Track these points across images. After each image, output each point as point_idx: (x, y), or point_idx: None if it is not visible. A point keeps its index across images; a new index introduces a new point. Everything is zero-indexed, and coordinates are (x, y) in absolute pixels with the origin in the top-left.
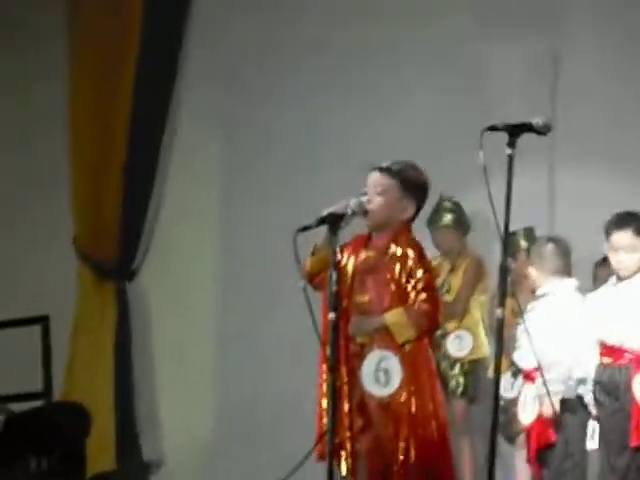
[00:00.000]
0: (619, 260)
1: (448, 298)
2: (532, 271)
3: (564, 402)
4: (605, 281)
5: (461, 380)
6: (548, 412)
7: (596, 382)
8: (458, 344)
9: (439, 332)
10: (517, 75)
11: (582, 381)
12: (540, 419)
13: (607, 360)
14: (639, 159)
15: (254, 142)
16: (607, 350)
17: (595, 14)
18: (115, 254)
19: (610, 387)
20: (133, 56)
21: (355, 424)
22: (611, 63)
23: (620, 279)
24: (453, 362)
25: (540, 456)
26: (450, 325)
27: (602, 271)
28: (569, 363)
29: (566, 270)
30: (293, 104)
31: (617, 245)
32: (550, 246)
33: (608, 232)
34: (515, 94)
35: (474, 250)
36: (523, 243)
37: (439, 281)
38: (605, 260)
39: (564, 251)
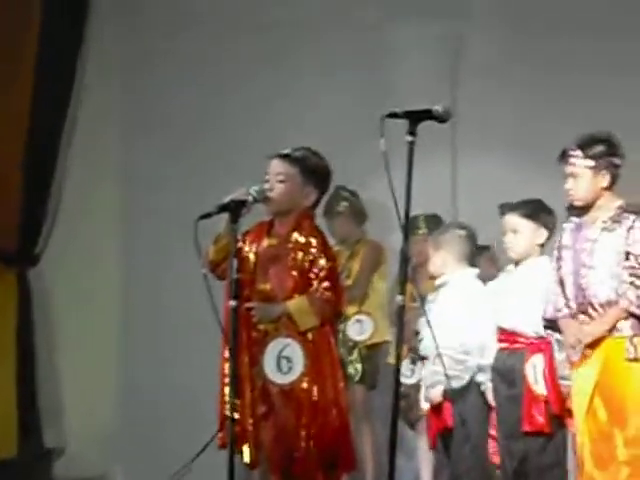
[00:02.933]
0: (506, 241)
1: (348, 282)
2: (438, 257)
3: (459, 386)
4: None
5: (359, 366)
6: (436, 399)
7: (493, 368)
8: (359, 328)
9: None
10: (419, 61)
11: (481, 368)
12: (438, 405)
13: (503, 345)
14: (541, 145)
15: (156, 130)
16: (503, 335)
17: None
18: (16, 239)
19: (505, 373)
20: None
21: (257, 411)
22: (513, 48)
23: (516, 264)
24: (351, 348)
25: (442, 442)
26: (349, 309)
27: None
28: (464, 349)
29: (471, 257)
30: (196, 89)
31: (505, 227)
32: (460, 232)
33: (501, 215)
34: (417, 80)
35: (373, 237)
36: (424, 230)
37: (340, 267)
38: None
39: (472, 238)
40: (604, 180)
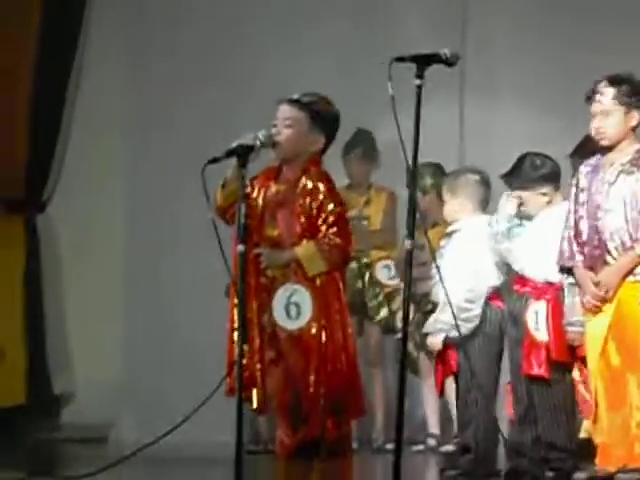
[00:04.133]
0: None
1: (371, 229)
2: (454, 203)
3: (468, 334)
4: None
5: (384, 310)
6: (436, 346)
7: (507, 311)
8: (387, 273)
9: (365, 261)
10: (428, 4)
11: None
12: (444, 350)
13: (516, 288)
14: (549, 93)
15: (162, 79)
16: (515, 278)
17: None
18: (24, 187)
19: (514, 315)
20: None
21: (266, 357)
22: None
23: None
24: (377, 292)
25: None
26: (376, 254)
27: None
28: (472, 296)
29: (486, 203)
30: (199, 39)
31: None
32: (476, 177)
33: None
34: (426, 24)
35: (381, 183)
36: (429, 180)
37: (355, 213)
38: None
39: (487, 183)
40: (633, 119)
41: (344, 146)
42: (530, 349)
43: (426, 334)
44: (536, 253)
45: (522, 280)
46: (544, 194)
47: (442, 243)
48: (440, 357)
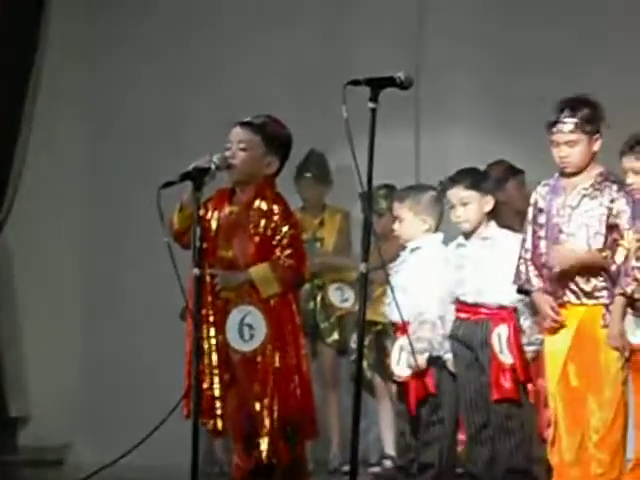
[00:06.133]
0: (456, 215)
1: (324, 250)
2: (416, 219)
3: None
4: None
5: (336, 333)
6: (422, 365)
7: (451, 336)
8: (340, 295)
9: (316, 283)
10: (383, 28)
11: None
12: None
13: (463, 315)
14: (504, 113)
15: (121, 93)
16: (463, 306)
17: None
18: None
19: (466, 341)
20: None
21: (224, 380)
22: (477, 17)
23: (466, 235)
24: (330, 314)
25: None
26: (329, 276)
27: None
28: (435, 319)
29: (441, 220)
30: (157, 58)
31: (452, 201)
32: (434, 193)
33: (444, 190)
34: (381, 47)
35: (335, 205)
36: (384, 202)
37: (309, 235)
38: None
39: (442, 200)
40: (596, 144)
41: (297, 168)
42: (498, 374)
43: (381, 356)
44: (486, 281)
45: (472, 308)
46: (487, 204)
47: (398, 260)
48: (416, 377)
